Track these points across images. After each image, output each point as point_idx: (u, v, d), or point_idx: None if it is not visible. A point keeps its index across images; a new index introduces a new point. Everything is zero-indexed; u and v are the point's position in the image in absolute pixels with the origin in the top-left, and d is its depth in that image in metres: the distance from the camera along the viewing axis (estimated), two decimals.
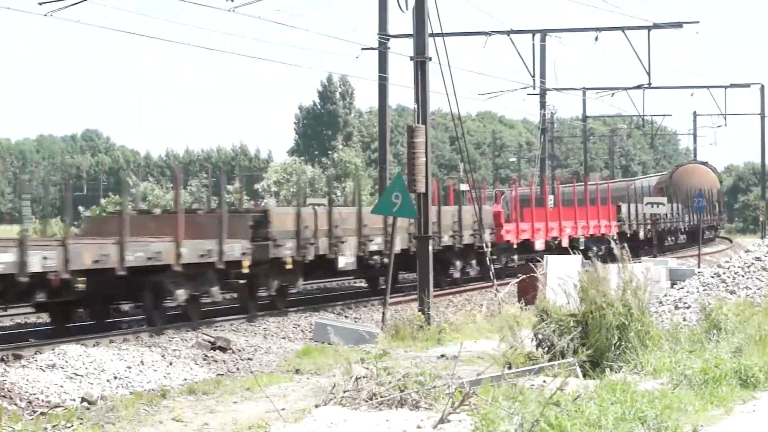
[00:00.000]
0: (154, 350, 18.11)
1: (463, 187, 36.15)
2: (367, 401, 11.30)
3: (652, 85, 44.08)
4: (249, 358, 18.44)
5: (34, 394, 14.56)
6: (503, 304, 25.06)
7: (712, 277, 19.67)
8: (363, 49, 37.38)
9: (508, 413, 10.15)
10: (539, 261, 20.52)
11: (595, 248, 38.26)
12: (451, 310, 26.95)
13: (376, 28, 34.57)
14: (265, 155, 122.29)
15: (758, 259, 20.02)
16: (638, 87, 47.98)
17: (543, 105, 52.26)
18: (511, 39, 41.29)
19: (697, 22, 40.42)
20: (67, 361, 16.07)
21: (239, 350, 18.88)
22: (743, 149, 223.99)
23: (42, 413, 13.40)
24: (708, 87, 56.86)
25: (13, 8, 24.61)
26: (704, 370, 13.36)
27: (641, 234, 48.13)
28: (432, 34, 22.96)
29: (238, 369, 17.42)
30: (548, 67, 49.09)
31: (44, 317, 22.45)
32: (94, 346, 18.11)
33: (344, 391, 11.62)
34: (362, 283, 31.93)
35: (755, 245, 21.71)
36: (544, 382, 12.02)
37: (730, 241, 66.46)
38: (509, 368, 13.08)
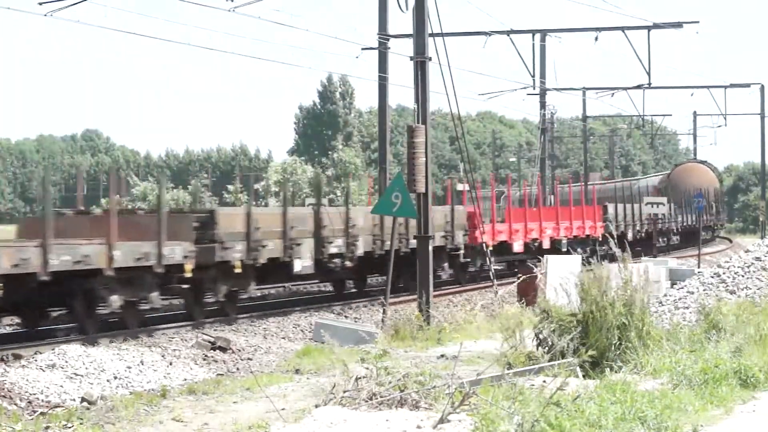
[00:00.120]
0: (154, 350, 18.11)
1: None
2: (367, 401, 11.30)
3: (652, 85, 44.06)
4: (249, 358, 18.44)
5: (34, 394, 14.55)
6: (503, 304, 25.14)
7: (712, 277, 19.68)
8: (363, 49, 37.41)
9: (508, 413, 10.15)
10: (539, 261, 20.56)
11: (579, 250, 36.40)
12: (451, 310, 26.95)
13: (376, 28, 34.57)
14: (265, 155, 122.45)
15: (758, 259, 20.03)
16: (638, 87, 47.97)
17: (543, 105, 52.27)
18: (511, 39, 41.32)
19: (697, 22, 40.46)
20: (67, 361, 16.07)
21: (239, 350, 18.88)
22: (743, 149, 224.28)
23: (42, 413, 13.40)
24: (708, 87, 56.85)
25: (13, 8, 24.66)
26: (704, 370, 13.36)
27: (630, 235, 46.34)
28: (432, 34, 22.96)
29: (238, 369, 17.42)
30: (548, 67, 49.19)
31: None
32: (94, 346, 18.11)
33: (344, 391, 11.62)
34: (329, 287, 30.51)
35: (755, 245, 21.72)
36: (544, 382, 12.02)
37: (730, 241, 66.34)
38: (509, 368, 13.08)
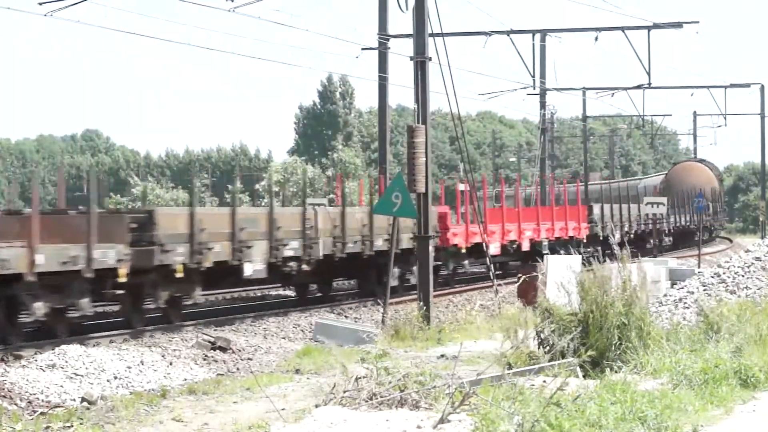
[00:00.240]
0: (154, 350, 18.12)
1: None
2: (367, 401, 11.31)
3: (652, 85, 44.06)
4: (249, 358, 18.44)
5: (34, 394, 14.56)
6: (503, 304, 25.16)
7: (712, 277, 19.68)
8: (363, 49, 37.42)
9: (508, 413, 10.16)
10: (539, 261, 20.57)
11: (562, 252, 34.28)
12: (451, 310, 26.97)
13: (376, 28, 34.61)
14: (265, 155, 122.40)
15: (758, 259, 20.04)
16: (638, 87, 47.97)
17: (543, 105, 52.26)
18: (511, 39, 41.32)
19: (697, 22, 40.47)
20: (67, 361, 16.09)
21: (239, 350, 18.89)
22: (743, 149, 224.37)
23: (42, 413, 13.41)
24: (708, 87, 56.86)
25: (13, 8, 24.64)
26: (704, 370, 13.37)
27: (617, 236, 45.23)
28: (432, 34, 22.98)
29: (238, 369, 17.43)
30: (548, 67, 49.11)
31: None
32: (94, 346, 18.11)
33: (344, 391, 11.63)
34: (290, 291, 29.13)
35: (755, 245, 21.73)
36: (545, 382, 12.02)
37: (730, 241, 66.15)
38: (509, 368, 13.08)
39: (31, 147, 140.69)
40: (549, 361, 13.65)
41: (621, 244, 15.95)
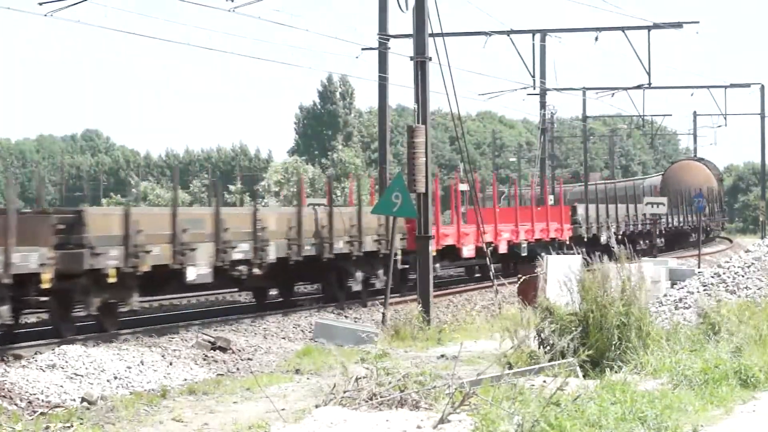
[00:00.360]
0: (154, 350, 18.12)
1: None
2: (367, 401, 11.31)
3: (652, 85, 44.07)
4: (249, 358, 18.45)
5: (34, 394, 14.56)
6: (503, 304, 25.17)
7: (712, 277, 19.68)
8: (363, 49, 37.39)
9: (508, 413, 10.16)
10: (539, 261, 20.57)
11: (544, 254, 32.02)
12: (452, 310, 26.98)
13: (376, 28, 34.55)
14: (265, 155, 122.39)
15: (758, 259, 20.03)
16: (638, 87, 47.99)
17: (543, 105, 52.26)
18: (511, 39, 41.35)
19: (697, 22, 40.47)
20: (67, 361, 16.09)
21: (239, 350, 18.89)
22: (743, 149, 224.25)
23: (42, 413, 13.41)
24: (708, 87, 56.89)
25: (13, 8, 24.60)
26: (704, 370, 13.37)
27: (603, 238, 42.15)
28: (432, 34, 23.00)
29: (238, 369, 17.43)
30: (548, 67, 49.10)
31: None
32: (94, 346, 18.11)
33: (344, 392, 11.64)
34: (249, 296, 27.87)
35: (755, 245, 21.72)
36: (544, 382, 12.03)
37: (730, 241, 66.03)
38: (509, 368, 13.09)
39: (31, 147, 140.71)
40: (549, 361, 13.65)
41: (620, 244, 15.93)
